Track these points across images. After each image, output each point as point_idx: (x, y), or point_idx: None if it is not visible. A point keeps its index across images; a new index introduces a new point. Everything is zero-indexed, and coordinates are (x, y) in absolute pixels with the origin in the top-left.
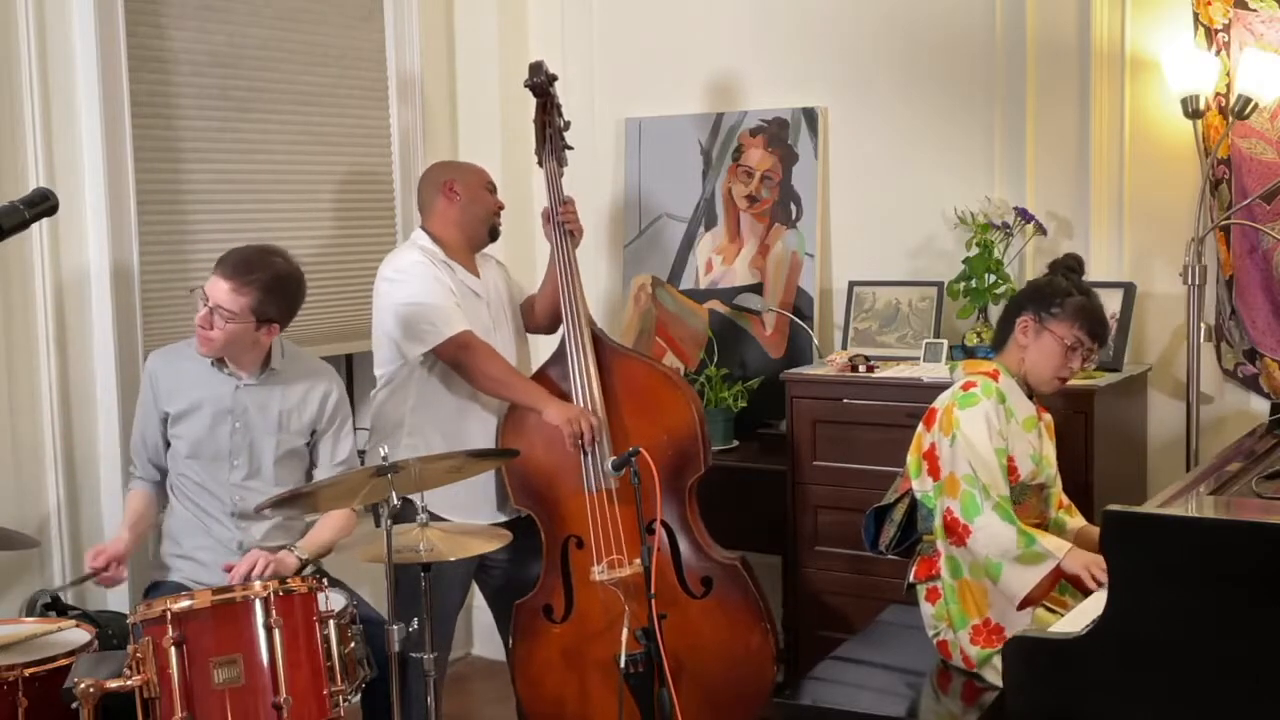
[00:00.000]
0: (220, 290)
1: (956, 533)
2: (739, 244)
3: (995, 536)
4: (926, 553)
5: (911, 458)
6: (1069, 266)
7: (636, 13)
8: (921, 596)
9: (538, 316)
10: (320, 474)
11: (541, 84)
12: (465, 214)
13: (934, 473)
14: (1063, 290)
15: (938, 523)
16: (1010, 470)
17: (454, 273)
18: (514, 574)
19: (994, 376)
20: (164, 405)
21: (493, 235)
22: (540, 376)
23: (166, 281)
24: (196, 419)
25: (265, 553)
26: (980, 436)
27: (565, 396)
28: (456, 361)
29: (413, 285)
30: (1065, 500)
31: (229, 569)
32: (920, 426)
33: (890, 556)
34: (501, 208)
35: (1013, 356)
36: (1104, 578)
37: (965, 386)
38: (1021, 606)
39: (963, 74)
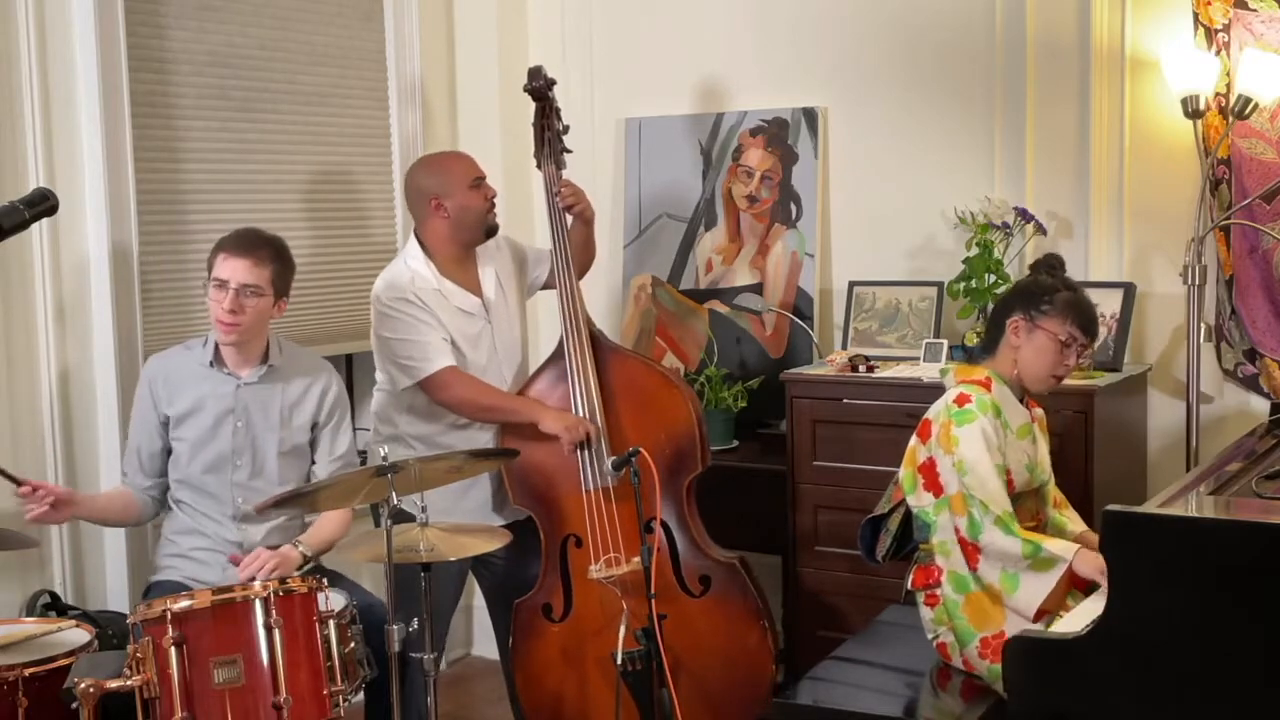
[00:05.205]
0: (242, 268)
1: (968, 553)
2: (739, 244)
3: (1002, 552)
4: (924, 561)
5: (905, 471)
6: (1050, 265)
7: (636, 13)
8: (920, 601)
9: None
10: (319, 470)
11: (540, 88)
12: (457, 227)
13: (931, 487)
14: (1050, 287)
15: (941, 538)
16: (1007, 483)
17: (445, 298)
18: (512, 572)
19: (986, 385)
20: (164, 408)
21: (489, 234)
22: (539, 375)
23: (166, 282)
24: (198, 420)
25: (270, 551)
26: (978, 454)
27: (563, 395)
28: (440, 398)
29: (395, 322)
30: (1059, 497)
31: (236, 560)
32: (914, 439)
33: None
34: (493, 197)
35: (1005, 360)
36: None
37: (959, 401)
38: (1037, 618)
39: (963, 74)
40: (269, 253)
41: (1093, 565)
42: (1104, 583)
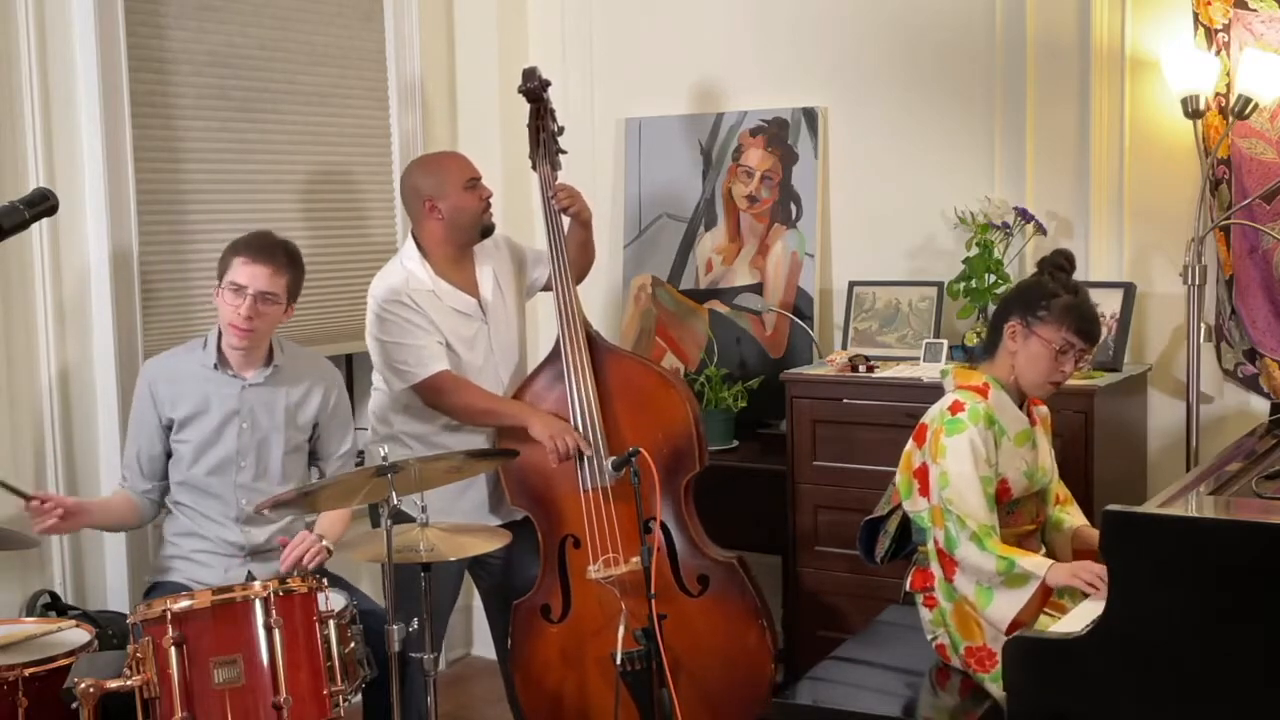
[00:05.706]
0: (262, 276)
1: (945, 564)
2: (739, 244)
3: (976, 567)
4: (922, 564)
5: (901, 476)
6: (1058, 265)
7: (636, 13)
8: (919, 602)
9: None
10: (323, 469)
11: (535, 89)
12: (452, 228)
13: (925, 492)
14: (1049, 291)
15: (931, 547)
16: (1004, 491)
17: (439, 299)
18: (510, 573)
19: (983, 392)
20: (167, 412)
21: (484, 234)
22: (535, 376)
23: (166, 282)
24: (203, 422)
25: (313, 535)
26: (962, 467)
27: (560, 396)
28: (434, 402)
29: (390, 325)
30: (1063, 494)
31: (284, 543)
32: (910, 443)
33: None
34: (488, 198)
35: (1003, 364)
36: (1096, 582)
37: (953, 409)
38: (1010, 631)
39: (963, 74)
40: (286, 260)
41: (1066, 575)
42: (1082, 587)
